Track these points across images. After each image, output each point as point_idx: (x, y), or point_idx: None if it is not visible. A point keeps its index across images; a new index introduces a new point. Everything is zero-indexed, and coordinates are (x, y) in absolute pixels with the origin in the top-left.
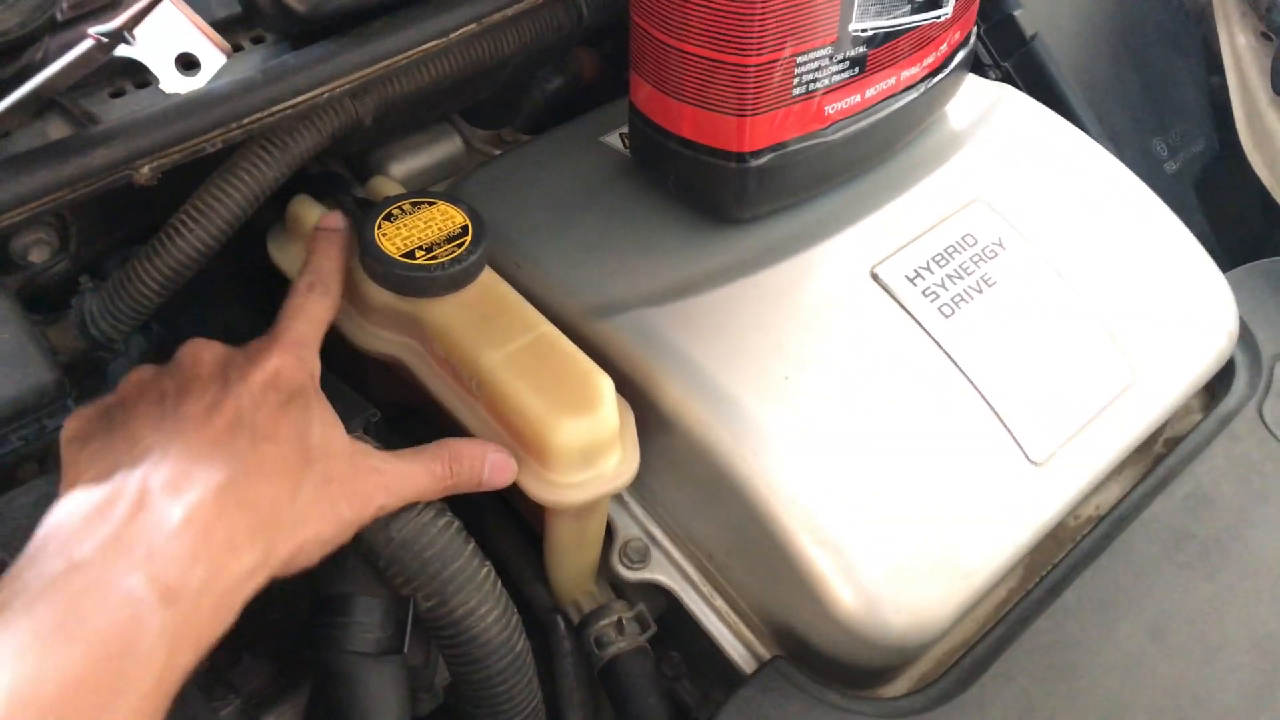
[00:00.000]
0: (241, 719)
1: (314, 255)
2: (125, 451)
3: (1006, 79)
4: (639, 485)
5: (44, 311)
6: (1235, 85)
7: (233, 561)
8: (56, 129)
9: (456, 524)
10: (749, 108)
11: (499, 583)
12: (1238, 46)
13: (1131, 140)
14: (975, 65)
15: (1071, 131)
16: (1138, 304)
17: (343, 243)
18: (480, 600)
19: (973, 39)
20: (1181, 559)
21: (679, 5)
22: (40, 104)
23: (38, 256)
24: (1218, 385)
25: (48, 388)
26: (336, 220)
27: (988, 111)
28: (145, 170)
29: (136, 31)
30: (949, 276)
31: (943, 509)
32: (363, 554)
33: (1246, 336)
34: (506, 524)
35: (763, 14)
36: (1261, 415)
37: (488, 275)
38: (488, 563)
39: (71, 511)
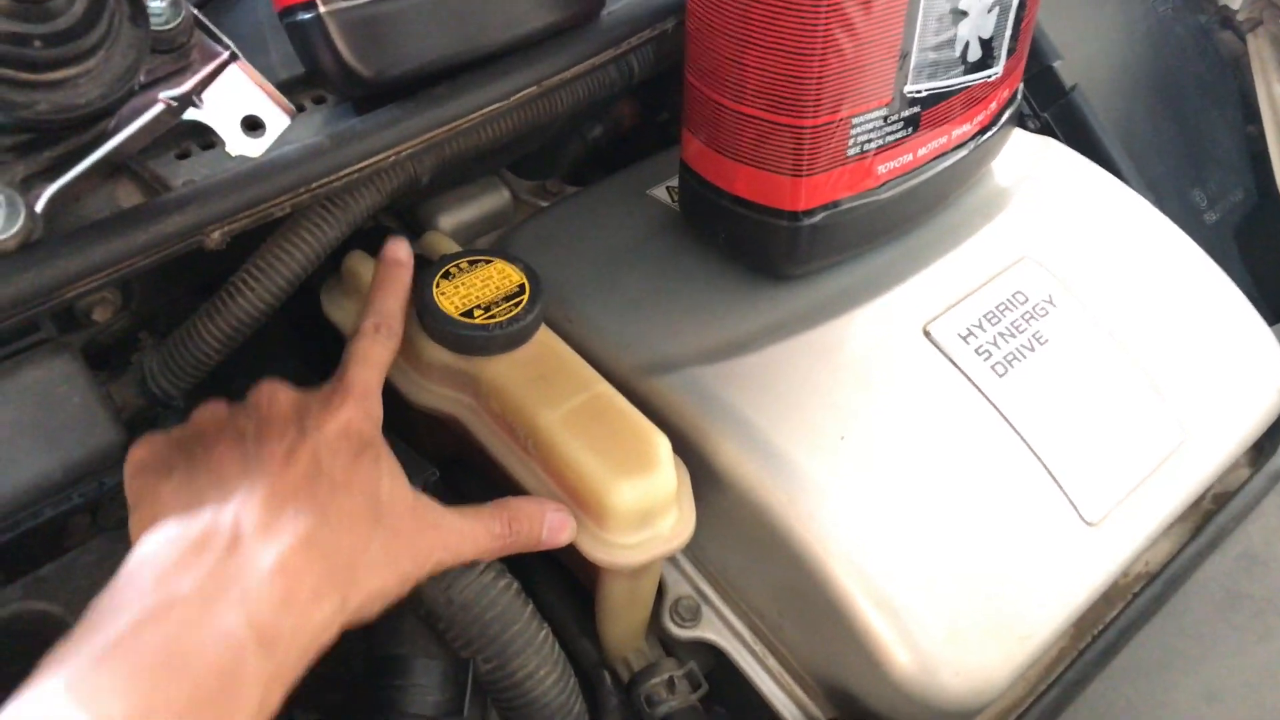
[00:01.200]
0: None
1: (378, 293)
2: (212, 488)
3: (1046, 129)
4: (691, 543)
5: (104, 368)
6: (1273, 135)
7: (316, 610)
8: (126, 191)
9: (516, 586)
10: (804, 168)
11: (557, 645)
12: (1275, 96)
13: (1170, 190)
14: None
15: (1115, 185)
16: (1186, 361)
17: (407, 280)
18: (540, 663)
19: (1019, 95)
20: (1236, 620)
21: (736, 68)
22: (111, 167)
23: (101, 315)
24: (1265, 441)
25: (114, 449)
26: (404, 251)
27: (1032, 166)
28: (216, 235)
29: (205, 95)
30: (1001, 334)
31: (999, 570)
32: (422, 616)
33: None
34: (554, 578)
35: (820, 77)
36: None
37: (544, 333)
38: (546, 625)
39: (166, 543)
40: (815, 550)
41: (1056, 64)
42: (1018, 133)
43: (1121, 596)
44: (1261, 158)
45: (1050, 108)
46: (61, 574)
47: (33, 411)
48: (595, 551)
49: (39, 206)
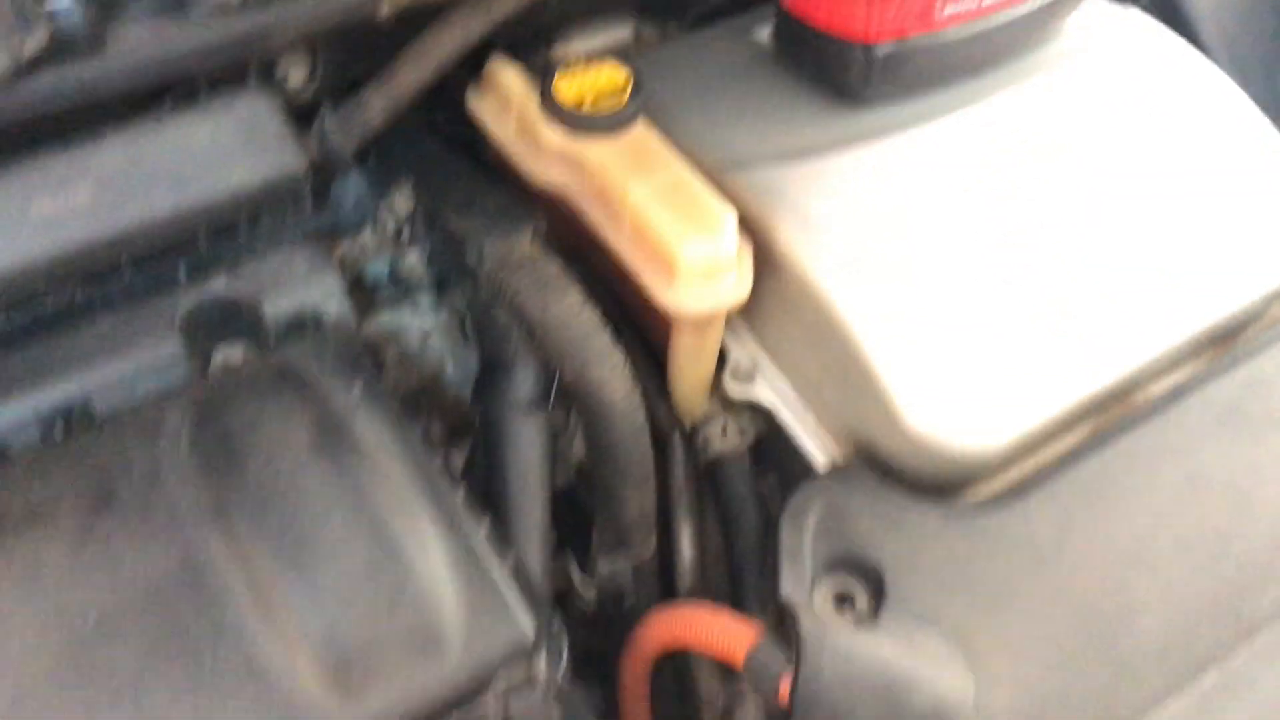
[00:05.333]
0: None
1: None
2: None
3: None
4: (751, 317)
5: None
6: None
7: None
8: None
9: (599, 315)
10: (875, 2)
11: (628, 366)
12: None
13: (1258, 73)
14: None
15: (1187, 51)
16: (1226, 209)
17: None
18: (610, 375)
19: None
20: (1231, 427)
21: None
22: None
23: (295, 80)
24: None
25: (298, 172)
26: None
27: (1109, 32)
28: (385, 8)
29: None
30: (1037, 160)
31: (1007, 356)
32: (524, 329)
33: None
34: (641, 349)
35: None
36: None
37: (642, 126)
38: (620, 348)
39: None
40: (851, 320)
41: None
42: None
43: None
44: None
45: None
46: (255, 269)
47: (244, 131)
48: (666, 300)
49: None
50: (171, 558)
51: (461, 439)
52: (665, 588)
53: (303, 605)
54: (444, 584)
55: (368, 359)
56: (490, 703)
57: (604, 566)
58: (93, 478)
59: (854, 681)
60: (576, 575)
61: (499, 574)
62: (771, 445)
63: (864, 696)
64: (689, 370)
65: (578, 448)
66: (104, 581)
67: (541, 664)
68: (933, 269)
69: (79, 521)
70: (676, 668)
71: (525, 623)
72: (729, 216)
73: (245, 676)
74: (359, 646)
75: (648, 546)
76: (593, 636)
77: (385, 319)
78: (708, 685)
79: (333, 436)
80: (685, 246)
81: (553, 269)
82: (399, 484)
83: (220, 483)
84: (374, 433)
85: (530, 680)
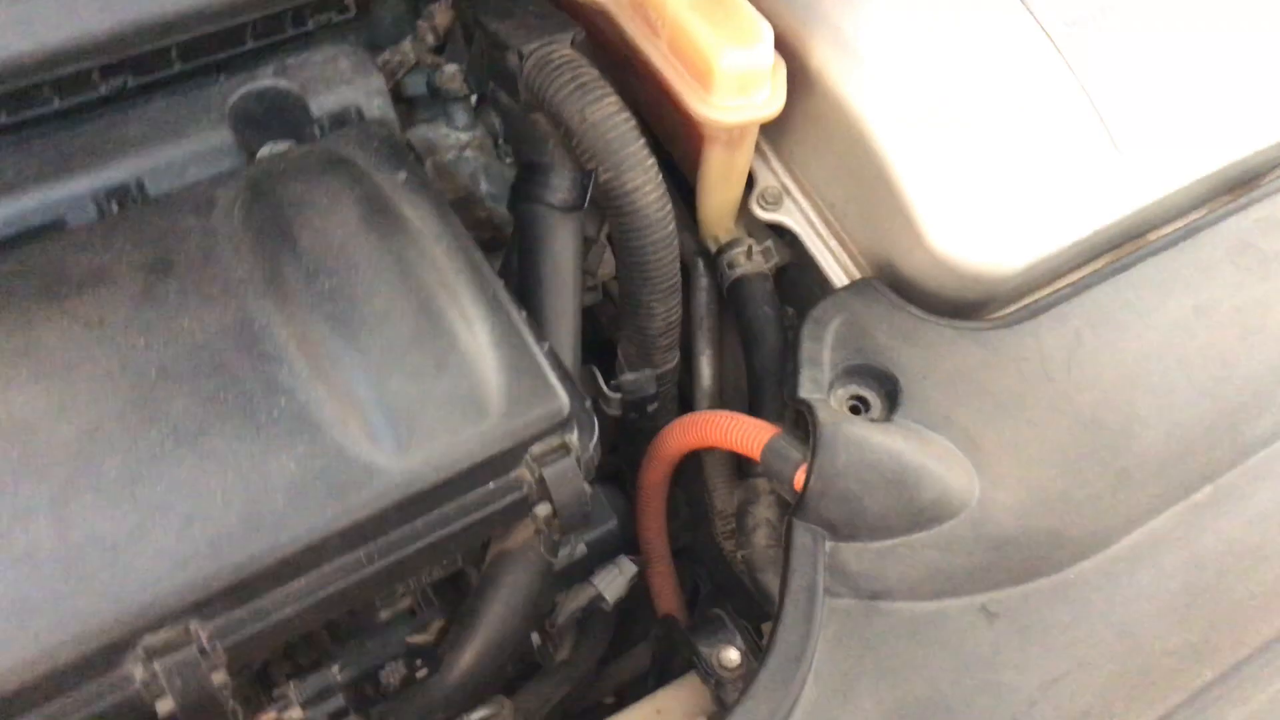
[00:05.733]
0: None
1: None
2: None
3: None
4: (780, 143)
5: None
6: None
7: None
8: None
9: (635, 121)
10: None
11: (661, 174)
12: None
13: None
14: None
15: None
16: (1252, 54)
17: None
18: (645, 180)
19: None
20: (1241, 262)
21: None
22: None
23: None
24: None
25: None
26: None
27: None
28: None
29: None
30: None
31: (1030, 181)
32: (561, 134)
33: None
34: (670, 180)
35: None
36: None
37: None
38: (654, 156)
39: None
40: (879, 138)
41: None
42: None
43: None
44: None
45: None
46: (301, 65)
47: None
48: (701, 111)
49: None
50: (227, 320)
51: (493, 252)
52: (683, 411)
53: (352, 366)
54: (486, 355)
55: (412, 151)
56: (526, 473)
57: (628, 377)
58: (151, 246)
59: (867, 469)
60: (602, 384)
61: (538, 351)
62: (794, 275)
63: (875, 484)
64: (718, 190)
65: (605, 265)
66: (164, 338)
67: (574, 437)
68: (963, 94)
69: (139, 284)
70: (690, 494)
71: (561, 396)
72: (767, 28)
73: (297, 428)
74: (405, 406)
75: (670, 358)
76: (614, 453)
77: (422, 131)
78: (721, 497)
79: (381, 216)
80: (723, 56)
81: (592, 72)
82: (445, 262)
83: (272, 253)
84: (420, 215)
85: (564, 448)
